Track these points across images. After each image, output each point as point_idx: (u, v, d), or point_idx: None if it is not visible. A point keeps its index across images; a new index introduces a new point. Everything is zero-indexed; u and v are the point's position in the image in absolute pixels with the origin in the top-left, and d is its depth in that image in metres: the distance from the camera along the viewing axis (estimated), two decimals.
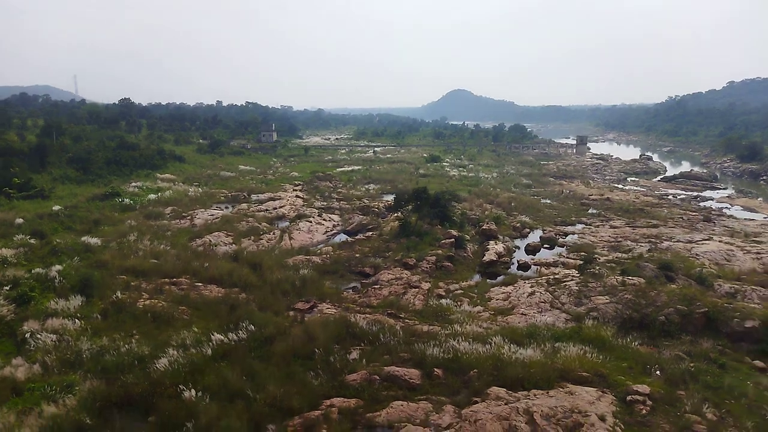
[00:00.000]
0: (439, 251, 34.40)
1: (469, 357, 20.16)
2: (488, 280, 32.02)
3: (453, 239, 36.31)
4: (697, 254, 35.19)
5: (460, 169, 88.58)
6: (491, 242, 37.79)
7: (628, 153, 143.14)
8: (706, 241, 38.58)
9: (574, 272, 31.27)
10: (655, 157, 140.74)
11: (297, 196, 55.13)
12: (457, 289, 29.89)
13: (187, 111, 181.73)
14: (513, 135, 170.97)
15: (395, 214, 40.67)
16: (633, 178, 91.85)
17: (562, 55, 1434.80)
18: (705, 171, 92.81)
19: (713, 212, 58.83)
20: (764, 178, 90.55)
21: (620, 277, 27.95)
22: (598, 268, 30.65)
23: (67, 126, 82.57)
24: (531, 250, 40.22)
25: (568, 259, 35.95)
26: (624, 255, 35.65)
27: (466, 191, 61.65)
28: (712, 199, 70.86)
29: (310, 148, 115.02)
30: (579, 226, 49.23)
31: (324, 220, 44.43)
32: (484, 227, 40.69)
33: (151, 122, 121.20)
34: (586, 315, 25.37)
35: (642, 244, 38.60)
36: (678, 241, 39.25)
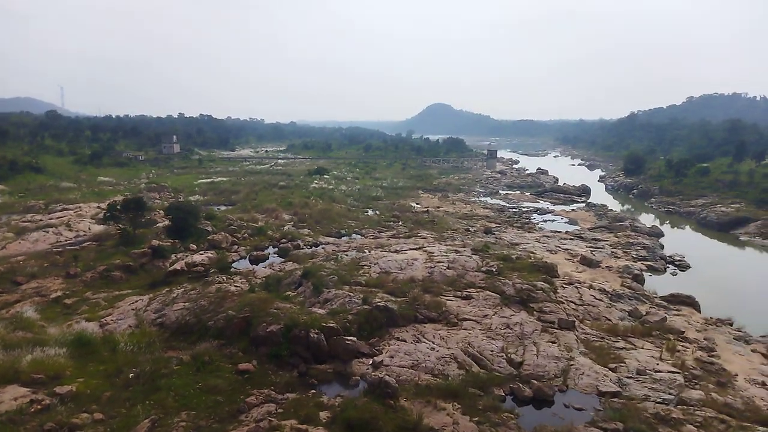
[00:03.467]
0: (118, 261, 34.92)
1: None
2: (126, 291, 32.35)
3: (151, 249, 36.83)
4: (377, 262, 35.83)
5: (334, 181, 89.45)
6: (194, 254, 38.27)
7: (556, 166, 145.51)
8: (411, 251, 39.26)
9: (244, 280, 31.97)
10: (580, 170, 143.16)
11: (98, 207, 55.46)
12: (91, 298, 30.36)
13: (128, 123, 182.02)
14: (446, 148, 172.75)
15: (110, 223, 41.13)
16: (507, 191, 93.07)
17: (545, 69, 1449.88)
18: (581, 185, 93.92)
19: (526, 223, 60.70)
20: (634, 191, 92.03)
21: (220, 285, 28.55)
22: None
23: None
24: (255, 259, 40.78)
25: (270, 269, 36.42)
26: (328, 263, 36.01)
27: (285, 203, 62.37)
28: (552, 212, 72.12)
29: (208, 160, 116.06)
30: (355, 237, 50.07)
31: (76, 230, 44.88)
32: (210, 238, 41.27)
33: (54, 133, 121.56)
34: (152, 322, 25.90)
35: (349, 253, 39.24)
36: (392, 251, 39.89)
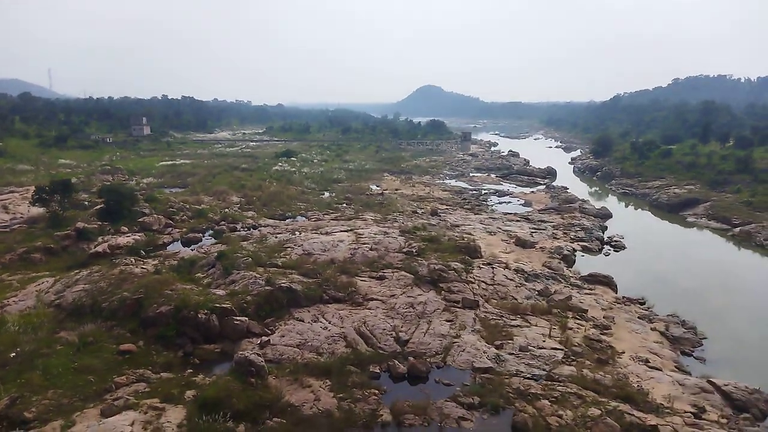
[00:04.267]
0: (39, 243, 34.96)
1: None
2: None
3: (75, 232, 36.85)
4: (302, 244, 36.06)
5: (299, 164, 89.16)
6: (120, 236, 38.32)
7: (533, 148, 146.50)
8: (341, 233, 39.52)
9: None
10: (556, 152, 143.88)
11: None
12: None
13: (103, 105, 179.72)
14: (425, 130, 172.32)
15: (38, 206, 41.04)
16: (475, 174, 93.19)
17: (537, 52, 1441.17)
18: (546, 168, 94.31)
19: (477, 205, 61.25)
20: (598, 173, 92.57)
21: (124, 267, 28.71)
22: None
23: None
24: (187, 241, 40.88)
25: (197, 252, 36.59)
26: (252, 245, 36.14)
27: (238, 186, 62.29)
28: (511, 194, 72.58)
29: (179, 143, 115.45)
30: (299, 219, 50.30)
31: (14, 213, 44.73)
32: (141, 220, 41.32)
33: (26, 116, 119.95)
34: (50, 303, 26.09)
35: (281, 235, 39.44)
36: (324, 233, 40.10)
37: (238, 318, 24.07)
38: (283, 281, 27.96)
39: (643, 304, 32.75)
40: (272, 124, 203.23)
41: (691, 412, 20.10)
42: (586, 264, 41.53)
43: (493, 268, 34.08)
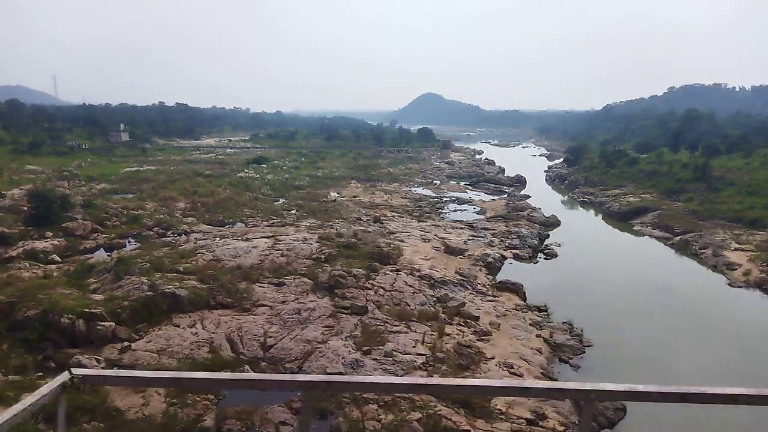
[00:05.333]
0: None
1: None
2: None
3: None
4: (215, 250, 36.38)
5: (265, 171, 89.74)
6: (39, 241, 38.82)
7: (518, 157, 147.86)
8: (261, 239, 39.80)
9: None
10: (540, 160, 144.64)
11: None
12: None
13: (84, 112, 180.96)
14: (408, 138, 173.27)
15: None
16: (445, 181, 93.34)
17: (537, 58, 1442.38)
18: (516, 176, 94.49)
19: (428, 212, 61.48)
20: (566, 182, 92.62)
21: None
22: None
23: None
24: (111, 247, 41.27)
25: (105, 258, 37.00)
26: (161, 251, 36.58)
27: (191, 192, 62.82)
28: (471, 202, 72.83)
29: (157, 149, 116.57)
30: (237, 225, 50.74)
31: None
32: (65, 225, 41.79)
33: (8, 123, 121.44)
34: None
35: (202, 241, 39.79)
36: (243, 239, 40.40)
37: (102, 323, 24.30)
38: (168, 287, 28.22)
39: (543, 311, 32.83)
40: (260, 131, 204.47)
41: (526, 419, 20.19)
42: (514, 271, 41.85)
43: (397, 274, 34.22)
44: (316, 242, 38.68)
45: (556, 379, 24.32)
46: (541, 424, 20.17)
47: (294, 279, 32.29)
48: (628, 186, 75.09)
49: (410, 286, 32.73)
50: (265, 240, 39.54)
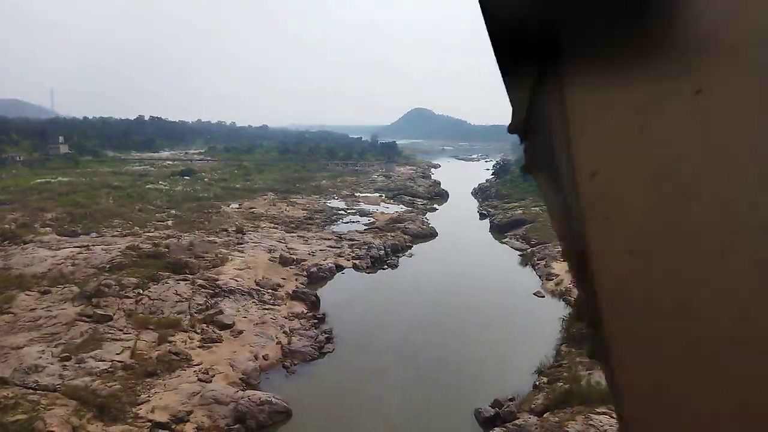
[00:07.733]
0: None
1: None
2: None
3: None
4: (15, 258, 36.65)
5: (183, 183, 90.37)
6: None
7: (470, 171, 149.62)
8: (71, 248, 40.07)
9: None
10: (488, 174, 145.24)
11: None
12: None
13: (61, 124, 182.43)
14: (377, 151, 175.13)
15: None
16: (367, 194, 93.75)
17: None
18: (438, 190, 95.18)
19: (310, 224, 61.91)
20: (480, 195, 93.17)
21: None
22: None
23: None
24: None
25: None
26: None
27: (74, 202, 63.24)
28: (369, 214, 73.24)
29: (96, 161, 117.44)
30: (92, 235, 51.01)
31: None
32: None
33: None
34: None
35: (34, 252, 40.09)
36: (63, 248, 40.68)
37: None
38: None
39: (319, 318, 33.08)
40: (227, 144, 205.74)
41: (162, 422, 20.34)
42: (344, 279, 42.94)
43: (177, 283, 34.42)
44: (119, 252, 38.92)
45: (254, 385, 24.56)
46: (175, 426, 20.30)
47: (64, 287, 32.50)
48: (527, 199, 75.44)
49: (179, 294, 32.90)
50: (77, 249, 39.81)
